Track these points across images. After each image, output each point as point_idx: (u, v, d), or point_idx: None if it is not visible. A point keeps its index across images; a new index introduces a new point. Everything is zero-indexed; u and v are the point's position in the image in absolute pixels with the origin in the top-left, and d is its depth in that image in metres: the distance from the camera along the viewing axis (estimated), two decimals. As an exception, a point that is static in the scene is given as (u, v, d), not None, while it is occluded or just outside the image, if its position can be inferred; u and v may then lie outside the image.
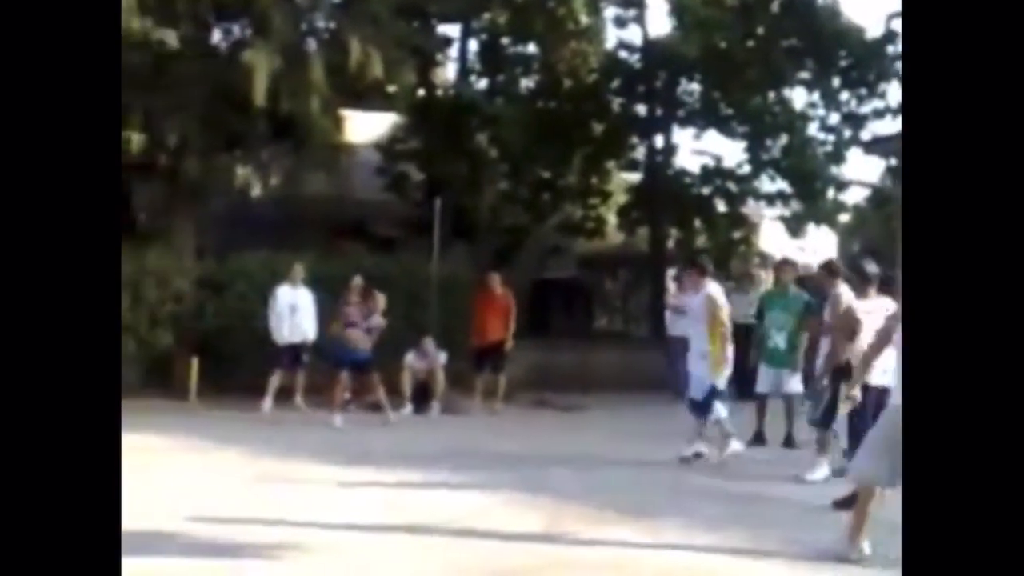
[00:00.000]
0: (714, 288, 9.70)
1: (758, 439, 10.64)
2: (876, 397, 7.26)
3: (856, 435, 7.07)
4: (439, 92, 20.19)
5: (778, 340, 10.64)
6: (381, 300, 12.25)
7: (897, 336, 7.21)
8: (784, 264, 11.56)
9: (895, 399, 5.87)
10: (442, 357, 13.23)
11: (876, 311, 7.32)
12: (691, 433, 9.48)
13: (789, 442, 10.51)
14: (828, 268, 9.19)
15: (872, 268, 7.92)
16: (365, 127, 19.79)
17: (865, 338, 7.29)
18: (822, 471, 8.52)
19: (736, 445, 9.41)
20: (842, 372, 7.80)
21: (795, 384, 10.54)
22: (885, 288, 7.88)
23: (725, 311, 9.53)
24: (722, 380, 9.51)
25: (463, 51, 20.45)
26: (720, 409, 9.40)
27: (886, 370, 7.21)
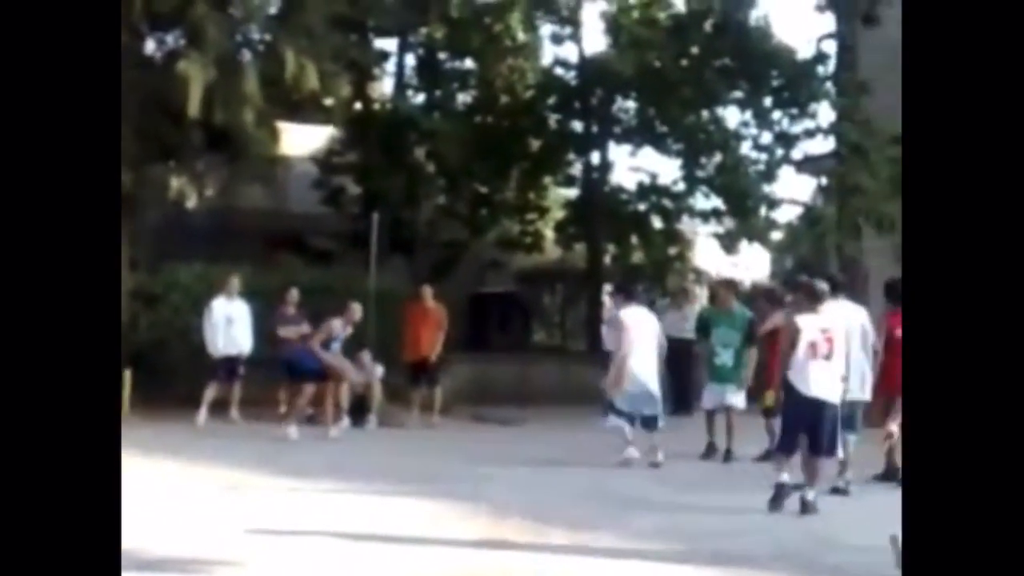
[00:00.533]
0: (626, 312, 10.27)
1: (710, 451, 10.88)
2: (810, 408, 7.73)
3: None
4: (376, 106, 20.22)
5: (725, 357, 10.77)
6: (358, 311, 12.26)
7: (826, 348, 7.55)
8: (727, 283, 11.77)
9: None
10: (379, 370, 13.19)
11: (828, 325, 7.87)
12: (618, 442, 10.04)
13: (728, 456, 10.67)
14: (769, 296, 9.70)
15: (822, 285, 8.17)
16: (302, 140, 19.71)
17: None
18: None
19: (632, 452, 9.98)
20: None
21: (739, 400, 10.68)
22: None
23: (629, 335, 10.08)
24: (618, 397, 10.12)
25: (400, 65, 20.50)
26: (615, 420, 10.11)
27: (818, 381, 7.70)
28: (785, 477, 7.88)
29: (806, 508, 7.71)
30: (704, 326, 11.30)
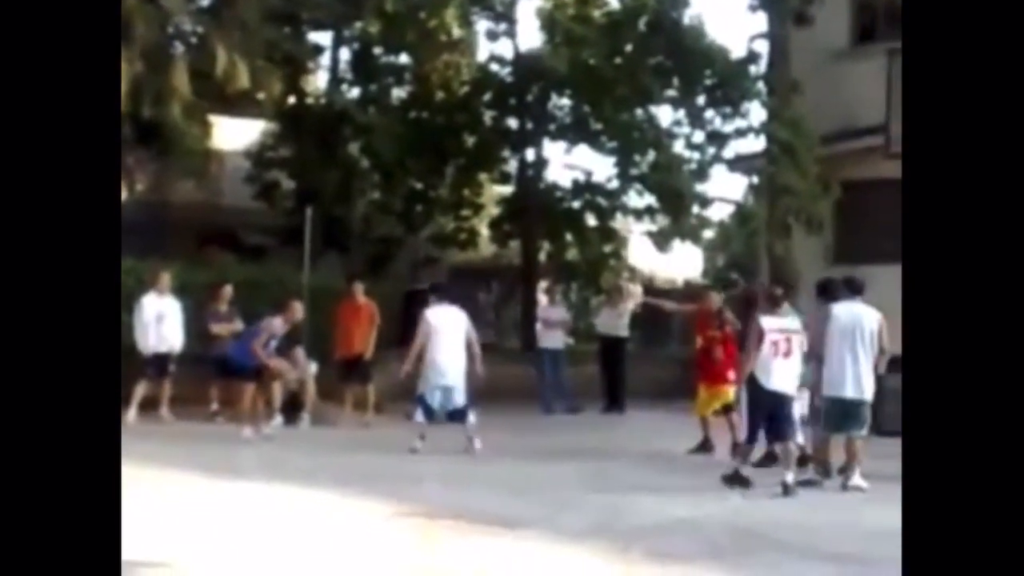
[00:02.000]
0: (432, 311, 10.94)
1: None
2: (771, 400, 8.64)
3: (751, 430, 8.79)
4: (311, 100, 20.05)
5: None
6: (298, 309, 12.10)
7: (786, 347, 8.57)
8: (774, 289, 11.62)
9: None
10: (312, 367, 13.08)
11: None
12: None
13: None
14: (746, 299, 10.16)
15: (777, 290, 9.23)
16: (236, 134, 19.48)
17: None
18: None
19: (478, 444, 10.44)
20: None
21: None
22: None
23: (431, 332, 10.79)
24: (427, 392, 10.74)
25: (335, 59, 20.35)
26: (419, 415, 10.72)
27: (780, 377, 8.65)
28: (748, 469, 8.77)
29: (787, 491, 8.42)
30: None
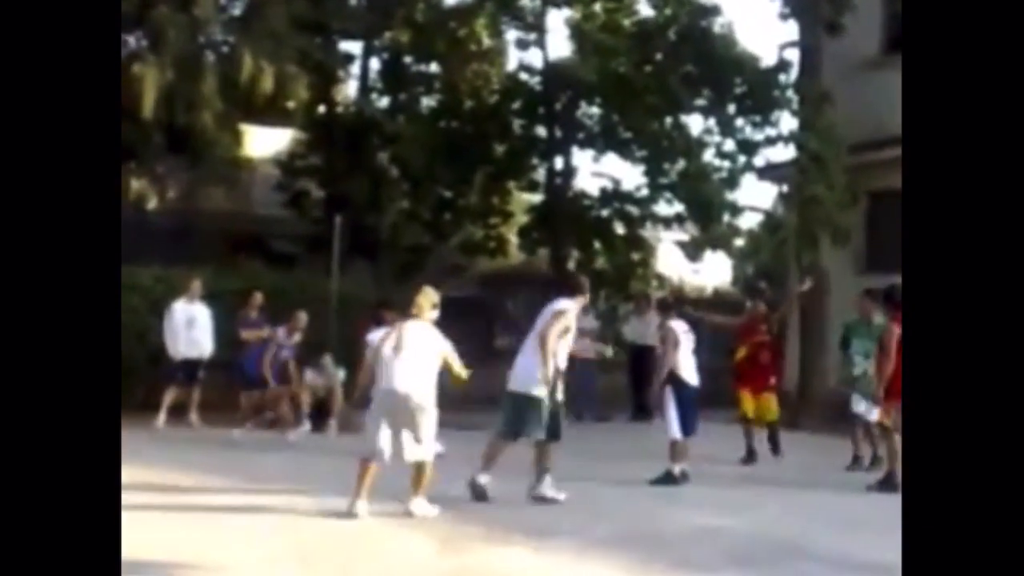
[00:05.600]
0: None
1: (750, 456, 11.09)
2: (691, 392, 9.51)
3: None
4: (340, 109, 20.14)
5: (864, 367, 10.59)
6: (302, 319, 12.19)
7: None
8: (868, 293, 11.41)
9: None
10: (341, 374, 13.12)
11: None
12: None
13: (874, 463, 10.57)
14: (662, 303, 10.82)
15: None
16: (266, 142, 19.60)
17: None
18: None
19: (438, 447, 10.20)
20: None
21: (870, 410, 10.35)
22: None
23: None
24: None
25: (365, 69, 20.44)
26: None
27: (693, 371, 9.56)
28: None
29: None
30: (847, 337, 11.11)
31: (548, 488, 8.30)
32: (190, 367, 12.88)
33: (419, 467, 7.50)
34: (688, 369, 9.55)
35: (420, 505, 7.49)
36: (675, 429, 9.44)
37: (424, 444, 7.44)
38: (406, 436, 7.38)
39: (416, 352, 7.46)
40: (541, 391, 8.21)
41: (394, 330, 7.65)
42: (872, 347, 10.29)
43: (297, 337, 12.34)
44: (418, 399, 7.36)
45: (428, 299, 7.76)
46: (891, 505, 8.47)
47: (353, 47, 20.26)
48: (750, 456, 11.06)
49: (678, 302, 11.34)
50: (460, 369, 7.81)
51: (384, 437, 7.38)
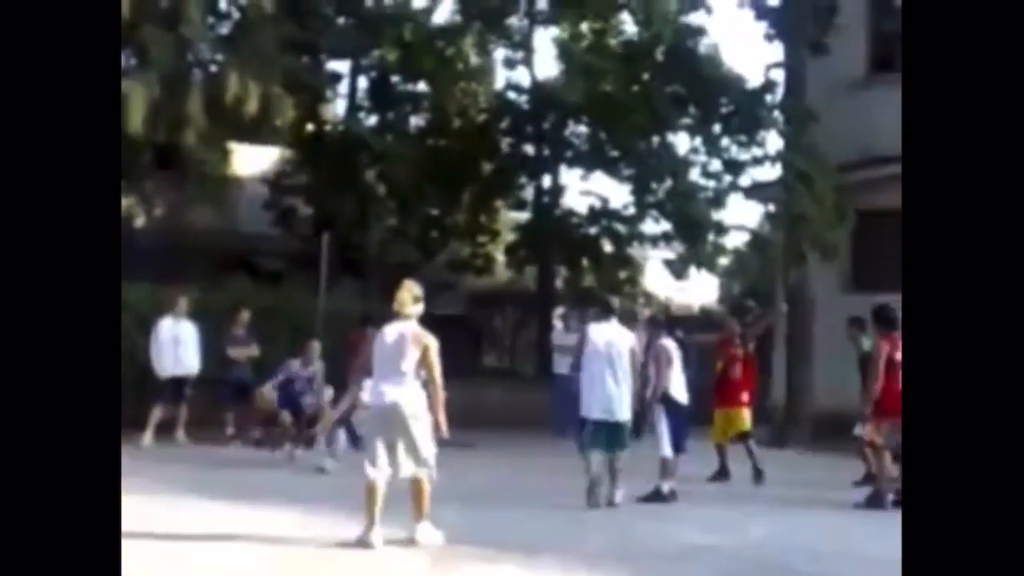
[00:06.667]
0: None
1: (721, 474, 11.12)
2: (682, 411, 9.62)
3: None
4: (328, 127, 20.18)
5: None
6: (315, 348, 12.15)
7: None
8: (851, 323, 11.42)
9: None
10: (328, 392, 13.09)
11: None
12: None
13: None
14: (654, 320, 10.88)
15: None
16: (254, 160, 19.61)
17: None
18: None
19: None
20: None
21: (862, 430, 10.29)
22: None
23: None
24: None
25: (352, 87, 20.51)
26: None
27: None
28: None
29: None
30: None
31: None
32: (177, 385, 12.85)
33: (417, 485, 7.00)
34: (679, 388, 9.61)
35: (425, 532, 7.03)
36: (666, 447, 9.47)
37: (421, 458, 6.94)
38: (401, 450, 6.91)
39: (399, 356, 6.93)
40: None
41: (377, 336, 7.19)
42: None
43: (315, 367, 12.18)
44: (407, 408, 6.87)
45: (410, 292, 7.20)
46: (878, 523, 8.52)
47: (341, 66, 20.35)
48: (721, 474, 11.06)
49: (670, 321, 11.32)
50: (438, 378, 7.06)
51: (382, 454, 6.94)
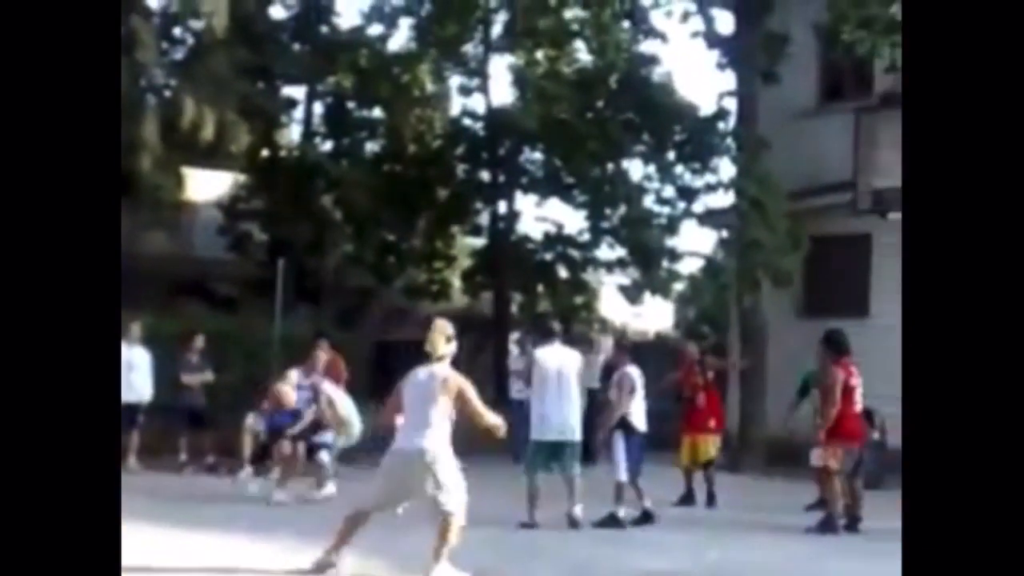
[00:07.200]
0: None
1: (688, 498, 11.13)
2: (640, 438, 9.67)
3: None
4: (284, 153, 20.16)
5: None
6: (320, 358, 11.71)
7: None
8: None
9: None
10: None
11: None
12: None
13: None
14: (619, 346, 11.19)
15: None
16: (209, 185, 19.52)
17: None
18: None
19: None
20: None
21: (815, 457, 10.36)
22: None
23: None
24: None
25: (308, 113, 20.52)
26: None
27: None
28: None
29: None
30: (807, 385, 11.12)
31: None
32: (129, 412, 12.69)
33: (445, 523, 6.72)
34: (639, 415, 9.67)
35: (444, 572, 6.75)
36: (622, 472, 9.52)
37: (448, 498, 6.70)
38: (427, 494, 6.70)
39: (429, 402, 6.76)
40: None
41: (409, 377, 7.02)
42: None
43: (317, 377, 11.57)
44: (430, 455, 6.66)
45: (443, 333, 7.03)
46: (829, 547, 8.62)
47: (296, 92, 20.36)
48: (687, 498, 11.14)
49: (636, 348, 11.44)
50: (490, 419, 7.02)
51: (386, 495, 6.86)
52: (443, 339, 7.03)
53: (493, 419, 7.03)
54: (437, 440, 6.71)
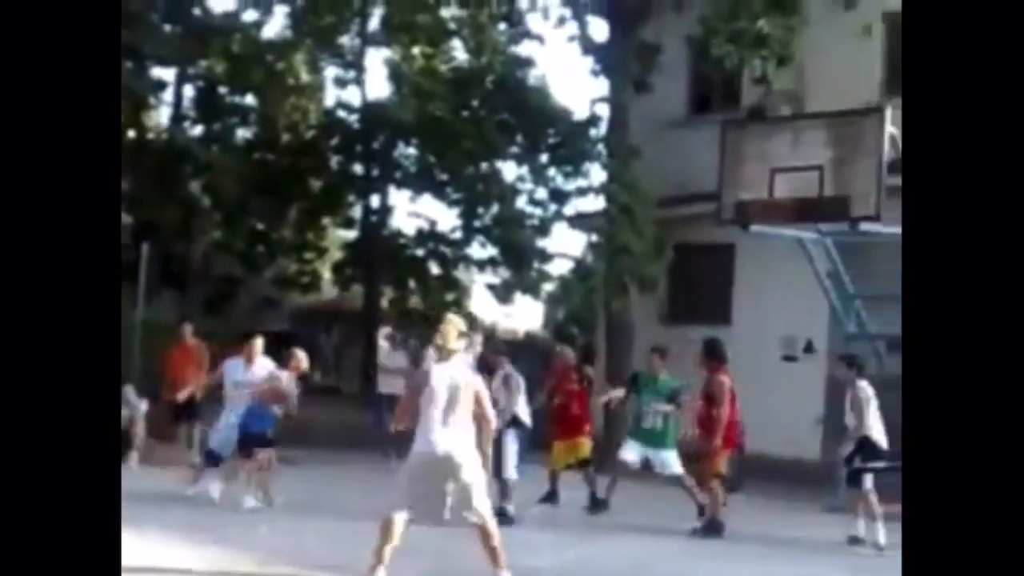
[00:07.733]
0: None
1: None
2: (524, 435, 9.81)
3: None
4: (151, 135, 19.68)
5: (653, 421, 10.61)
6: (258, 345, 10.96)
7: None
8: (657, 350, 11.34)
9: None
10: (143, 405, 12.73)
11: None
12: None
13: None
14: (493, 348, 11.02)
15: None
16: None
17: None
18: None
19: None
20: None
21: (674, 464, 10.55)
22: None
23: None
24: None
25: (178, 96, 20.08)
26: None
27: None
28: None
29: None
30: (634, 384, 11.18)
31: None
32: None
33: (484, 531, 6.49)
34: (524, 411, 9.95)
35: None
36: (511, 469, 9.61)
37: (477, 503, 6.45)
38: (454, 498, 6.44)
39: (454, 404, 6.48)
40: None
41: (423, 378, 6.73)
42: (662, 401, 10.57)
43: (261, 365, 10.97)
44: (459, 457, 6.42)
45: (455, 327, 6.76)
46: (709, 548, 8.83)
47: (166, 74, 19.88)
48: (549, 497, 11.17)
49: (511, 348, 11.52)
50: (492, 425, 6.81)
51: (411, 500, 6.53)
52: (456, 333, 6.77)
53: (494, 426, 6.97)
54: (465, 443, 6.51)
